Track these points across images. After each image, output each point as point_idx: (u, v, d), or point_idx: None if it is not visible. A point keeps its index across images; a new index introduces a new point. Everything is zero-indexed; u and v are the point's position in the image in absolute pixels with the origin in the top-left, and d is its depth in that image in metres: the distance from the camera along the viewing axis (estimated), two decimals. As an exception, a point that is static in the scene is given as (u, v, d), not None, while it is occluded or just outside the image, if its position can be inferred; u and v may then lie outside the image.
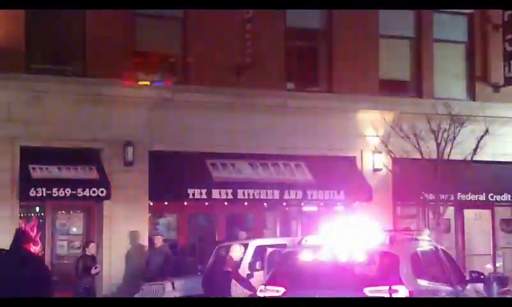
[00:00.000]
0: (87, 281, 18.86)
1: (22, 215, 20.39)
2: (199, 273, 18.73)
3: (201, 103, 21.24)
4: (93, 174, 20.47)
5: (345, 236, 12.24)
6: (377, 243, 12.01)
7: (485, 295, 14.50)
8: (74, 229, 21.57)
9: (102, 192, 20.28)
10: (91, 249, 19.47)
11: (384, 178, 22.88)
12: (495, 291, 22.05)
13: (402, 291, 11.22)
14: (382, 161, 22.78)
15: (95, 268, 18.92)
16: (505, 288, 21.88)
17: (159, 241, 19.90)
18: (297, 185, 21.93)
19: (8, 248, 7.84)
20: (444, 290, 12.31)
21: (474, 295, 13.59)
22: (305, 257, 12.05)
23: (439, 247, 13.94)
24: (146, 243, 20.49)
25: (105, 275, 20.31)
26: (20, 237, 13.31)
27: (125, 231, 20.48)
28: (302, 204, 22.77)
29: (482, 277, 13.96)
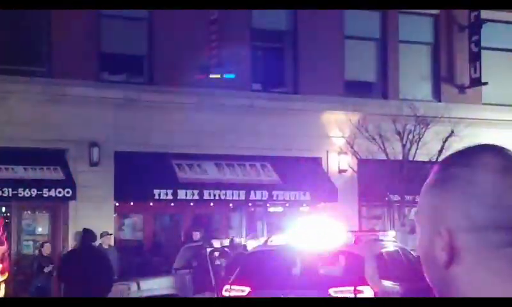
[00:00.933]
0: (40, 280, 18.84)
1: (-13, 215, 20.27)
2: (164, 273, 18.71)
3: (167, 103, 21.21)
4: (59, 175, 20.39)
5: (310, 236, 12.31)
6: (342, 244, 12.09)
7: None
8: (40, 229, 21.46)
9: (67, 192, 20.22)
10: (46, 250, 19.46)
11: (349, 179, 23.00)
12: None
13: (367, 292, 11.30)
14: (347, 162, 22.89)
15: (47, 267, 18.96)
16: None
17: (109, 241, 19.74)
18: (262, 185, 21.98)
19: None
20: (408, 291, 12.40)
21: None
22: (270, 257, 12.09)
23: (404, 248, 14.05)
24: (112, 243, 20.41)
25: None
26: (89, 235, 13.83)
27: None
28: (268, 204, 22.84)
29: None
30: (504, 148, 1.71)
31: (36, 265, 19.08)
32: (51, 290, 19.22)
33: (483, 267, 1.57)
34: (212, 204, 21.90)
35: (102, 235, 19.27)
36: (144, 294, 17.41)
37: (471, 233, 1.59)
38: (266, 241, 12.96)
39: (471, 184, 1.61)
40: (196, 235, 20.45)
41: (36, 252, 20.13)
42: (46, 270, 18.94)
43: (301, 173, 22.30)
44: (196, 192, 21.33)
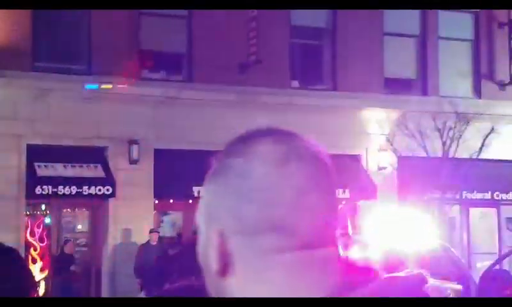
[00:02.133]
0: (63, 279, 18.97)
1: (27, 212, 20.44)
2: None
3: (205, 101, 21.23)
4: (99, 172, 20.50)
5: (351, 234, 12.23)
6: (384, 243, 11.98)
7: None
8: (79, 227, 21.60)
9: (107, 190, 20.33)
10: (68, 248, 19.60)
11: (389, 176, 22.85)
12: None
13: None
14: (387, 159, 22.75)
15: (72, 266, 19.15)
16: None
17: (156, 238, 19.77)
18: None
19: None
20: (452, 289, 12.30)
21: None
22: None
23: (444, 245, 13.92)
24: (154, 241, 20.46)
25: (109, 273, 20.33)
26: None
27: (130, 229, 20.47)
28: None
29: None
30: (289, 133, 1.39)
31: (57, 264, 19.23)
32: (75, 289, 19.27)
33: (255, 277, 1.31)
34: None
35: (150, 232, 19.36)
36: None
37: (243, 236, 1.31)
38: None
39: (243, 177, 1.34)
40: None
41: (59, 250, 20.24)
42: (72, 268, 19.07)
43: (341, 170, 22.13)
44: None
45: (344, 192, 22.20)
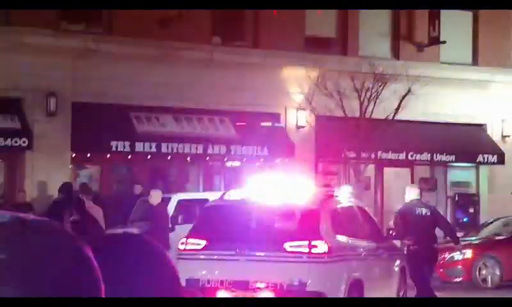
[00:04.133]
0: None
1: None
2: (120, 225, 18.70)
3: (125, 54, 21.04)
4: (15, 124, 20.20)
5: (267, 191, 12.39)
6: (298, 199, 12.18)
7: (401, 251, 14.83)
8: (-5, 179, 21.31)
9: (23, 142, 20.08)
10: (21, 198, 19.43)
11: (307, 135, 23.10)
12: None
13: (321, 247, 11.44)
14: (305, 118, 22.97)
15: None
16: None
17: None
18: (220, 140, 22.00)
19: None
20: (362, 246, 12.59)
21: (390, 251, 13.92)
22: (227, 211, 12.17)
23: (358, 204, 14.21)
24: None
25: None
26: None
27: (46, 181, 20.28)
28: (225, 159, 22.89)
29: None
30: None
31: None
32: None
33: None
34: (169, 157, 21.88)
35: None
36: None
37: None
38: (223, 195, 13.02)
39: None
40: (138, 189, 20.50)
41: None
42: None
43: (259, 129, 22.35)
44: (153, 145, 21.29)
45: (262, 149, 22.38)
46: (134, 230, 15.64)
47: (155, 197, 17.34)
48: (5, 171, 21.18)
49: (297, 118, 23.11)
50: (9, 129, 19.99)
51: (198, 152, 21.81)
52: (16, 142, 19.96)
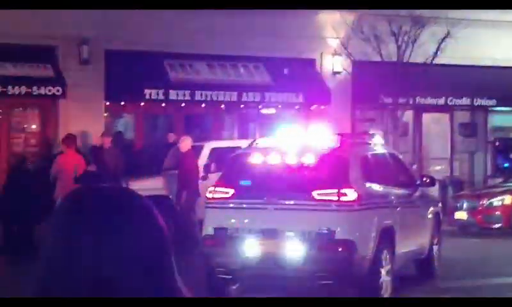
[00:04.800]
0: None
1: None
2: (154, 173, 18.63)
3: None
4: (49, 72, 20.16)
5: (297, 139, 12.17)
6: (328, 146, 11.94)
7: (435, 198, 14.54)
8: (30, 127, 21.31)
9: (57, 90, 20.02)
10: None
11: (343, 81, 22.72)
12: (450, 194, 22.30)
13: (350, 194, 11.20)
14: (341, 64, 22.57)
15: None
16: (460, 192, 22.11)
17: (107, 142, 19.41)
18: (255, 87, 21.73)
19: None
20: (394, 194, 12.32)
21: (424, 199, 13.63)
22: (255, 160, 11.96)
23: (391, 151, 13.92)
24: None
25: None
26: None
27: (80, 130, 20.22)
28: (260, 106, 22.63)
29: (433, 181, 14.01)
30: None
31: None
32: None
33: None
34: (203, 105, 21.68)
35: (103, 135, 19.00)
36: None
37: None
38: (252, 143, 12.82)
39: None
40: (171, 137, 20.36)
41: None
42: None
43: (295, 75, 22.03)
44: (187, 92, 21.11)
45: (298, 96, 22.10)
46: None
47: (185, 144, 17.25)
48: (39, 119, 21.18)
49: (333, 63, 22.72)
50: (43, 78, 19.95)
51: (232, 100, 21.59)
52: (50, 90, 19.92)
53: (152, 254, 1.73)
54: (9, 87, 19.61)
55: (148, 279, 1.71)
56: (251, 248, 11.29)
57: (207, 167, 17.95)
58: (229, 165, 12.60)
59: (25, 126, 21.25)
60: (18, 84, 19.61)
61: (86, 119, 20.21)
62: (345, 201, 11.15)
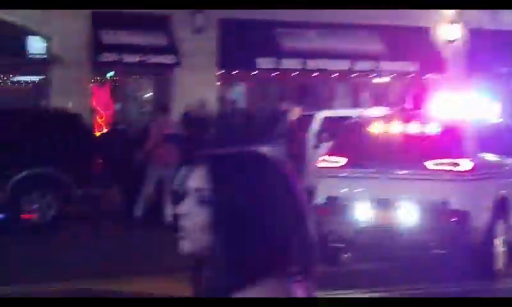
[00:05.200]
0: None
1: (94, 79, 20.63)
2: (266, 142, 18.69)
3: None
4: (163, 41, 20.44)
5: (411, 108, 12.01)
6: (442, 116, 11.74)
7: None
8: (144, 95, 21.71)
9: (171, 59, 20.31)
10: None
11: (459, 49, 22.24)
12: None
13: (465, 164, 11.00)
14: (457, 32, 22.09)
15: None
16: None
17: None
18: (368, 55, 21.51)
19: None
20: (508, 164, 12.01)
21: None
22: (368, 129, 11.86)
23: (506, 121, 13.57)
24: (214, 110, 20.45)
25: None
26: None
27: (193, 98, 20.44)
28: (373, 75, 22.40)
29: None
30: None
31: None
32: None
33: None
34: (315, 74, 21.61)
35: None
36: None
37: None
38: (364, 113, 12.72)
39: None
40: (283, 106, 20.32)
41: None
42: None
43: (409, 43, 21.69)
44: (299, 61, 21.07)
45: (412, 65, 21.78)
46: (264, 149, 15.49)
47: (294, 113, 17.23)
48: (154, 88, 21.53)
49: (449, 32, 22.25)
50: (157, 46, 20.24)
51: (344, 68, 21.43)
52: (164, 59, 20.22)
53: (288, 204, 1.90)
54: (125, 56, 20.00)
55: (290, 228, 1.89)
56: (363, 217, 11.23)
57: (318, 136, 17.90)
58: (342, 134, 12.54)
59: (139, 94, 21.67)
60: (133, 52, 19.98)
61: (200, 87, 20.42)
62: (460, 171, 10.95)
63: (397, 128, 11.63)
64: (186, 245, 1.91)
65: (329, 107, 20.92)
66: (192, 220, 1.91)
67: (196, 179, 1.92)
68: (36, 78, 20.64)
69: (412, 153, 11.33)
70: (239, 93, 22.57)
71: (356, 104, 21.81)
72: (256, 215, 1.84)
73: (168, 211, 15.01)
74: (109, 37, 20.01)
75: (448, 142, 11.33)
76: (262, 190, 1.87)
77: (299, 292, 1.88)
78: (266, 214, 1.85)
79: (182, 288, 9.60)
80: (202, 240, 1.89)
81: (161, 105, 17.49)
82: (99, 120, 20.44)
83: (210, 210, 1.87)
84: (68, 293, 9.34)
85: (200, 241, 1.89)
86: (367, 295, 9.79)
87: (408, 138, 11.50)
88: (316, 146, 17.34)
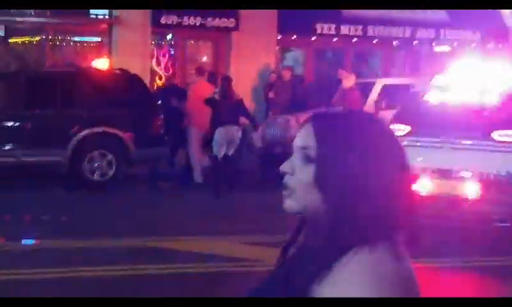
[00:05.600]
0: None
1: (153, 41, 20.67)
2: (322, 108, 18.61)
3: None
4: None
5: (476, 78, 11.80)
6: (509, 86, 11.53)
7: None
8: (203, 59, 21.71)
9: (231, 22, 20.24)
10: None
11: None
12: None
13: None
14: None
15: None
16: None
17: (287, 75, 19.64)
18: (430, 23, 21.22)
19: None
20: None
21: None
22: (433, 97, 11.71)
23: None
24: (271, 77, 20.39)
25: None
26: None
27: (252, 62, 20.42)
28: (434, 43, 22.09)
29: None
30: None
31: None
32: None
33: None
34: (375, 41, 21.38)
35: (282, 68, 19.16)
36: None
37: None
38: (429, 81, 12.54)
39: None
40: (342, 73, 20.16)
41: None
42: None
43: (472, 11, 21.32)
44: (359, 28, 20.87)
45: (474, 33, 21.44)
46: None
47: (348, 81, 17.07)
48: (212, 51, 21.51)
49: (513, 2, 21.83)
50: (217, 10, 20.17)
51: (405, 36, 21.18)
52: (224, 22, 20.16)
53: (394, 177, 1.86)
54: (185, 18, 20.00)
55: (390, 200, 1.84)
56: (425, 187, 11.12)
57: (377, 104, 17.77)
58: (406, 102, 12.40)
59: (198, 57, 21.67)
60: (193, 14, 19.96)
61: (258, 52, 20.36)
62: (526, 144, 10.77)
63: (461, 97, 11.46)
64: (290, 204, 1.88)
65: (388, 75, 20.76)
66: (298, 178, 1.86)
67: (303, 137, 1.88)
68: (98, 38, 20.79)
69: (477, 123, 11.16)
70: (296, 58, 22.46)
71: (415, 73, 21.60)
72: (364, 175, 1.81)
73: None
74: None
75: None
76: (369, 151, 1.84)
77: (407, 258, 1.84)
78: (374, 175, 1.83)
79: (240, 249, 9.76)
80: (307, 199, 1.85)
81: (197, 68, 17.22)
82: (158, 82, 20.52)
83: (316, 168, 1.83)
84: (130, 249, 9.50)
85: (304, 200, 1.86)
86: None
87: (473, 108, 11.33)
88: (375, 114, 17.22)
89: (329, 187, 1.82)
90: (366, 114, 1.96)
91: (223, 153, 14.57)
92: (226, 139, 14.53)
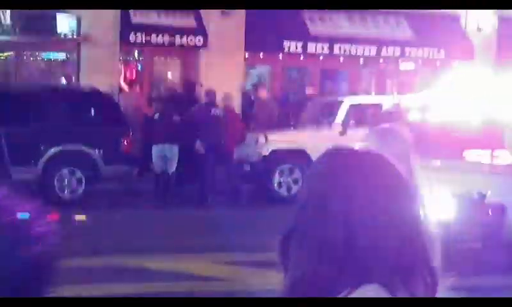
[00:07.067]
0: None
1: (121, 58, 20.62)
2: (291, 126, 18.64)
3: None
4: (191, 22, 20.38)
5: (454, 98, 11.97)
6: (481, 109, 11.68)
7: None
8: (171, 76, 21.68)
9: (199, 40, 20.25)
10: None
11: (488, 38, 22.08)
12: None
13: (504, 157, 10.95)
14: (487, 20, 21.94)
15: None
16: None
17: (263, 93, 19.45)
18: (395, 41, 21.40)
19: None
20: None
21: None
22: (405, 118, 11.80)
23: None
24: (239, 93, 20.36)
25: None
26: None
27: (220, 80, 20.38)
28: (399, 62, 22.28)
29: None
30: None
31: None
32: None
33: None
34: (341, 59, 21.52)
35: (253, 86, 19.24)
36: (270, 147, 17.21)
37: None
38: (397, 101, 12.67)
39: None
40: (309, 90, 20.27)
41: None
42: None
43: (437, 30, 21.56)
44: (326, 46, 20.98)
45: (439, 51, 21.66)
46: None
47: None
48: (180, 68, 21.49)
49: (478, 19, 22.09)
50: (185, 27, 20.18)
51: (371, 54, 21.33)
52: (191, 40, 20.16)
53: (405, 219, 1.67)
54: (153, 36, 19.96)
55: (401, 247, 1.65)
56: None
57: (344, 124, 17.79)
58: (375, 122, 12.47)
59: (166, 75, 21.64)
60: (161, 33, 19.94)
61: (227, 69, 20.36)
62: (497, 164, 10.90)
63: (433, 117, 11.59)
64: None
65: (354, 93, 20.83)
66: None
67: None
68: (66, 55, 20.68)
69: (450, 144, 11.28)
70: (262, 75, 22.47)
71: (381, 91, 21.76)
72: (378, 215, 1.65)
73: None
74: (138, 17, 19.95)
75: (488, 133, 11.28)
76: (379, 191, 1.67)
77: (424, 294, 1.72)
78: (389, 216, 1.66)
79: (213, 269, 9.73)
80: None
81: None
82: (125, 99, 20.41)
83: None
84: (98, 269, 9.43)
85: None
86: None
87: (446, 128, 11.46)
88: (342, 133, 17.24)
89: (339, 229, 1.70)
90: (374, 154, 1.77)
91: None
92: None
